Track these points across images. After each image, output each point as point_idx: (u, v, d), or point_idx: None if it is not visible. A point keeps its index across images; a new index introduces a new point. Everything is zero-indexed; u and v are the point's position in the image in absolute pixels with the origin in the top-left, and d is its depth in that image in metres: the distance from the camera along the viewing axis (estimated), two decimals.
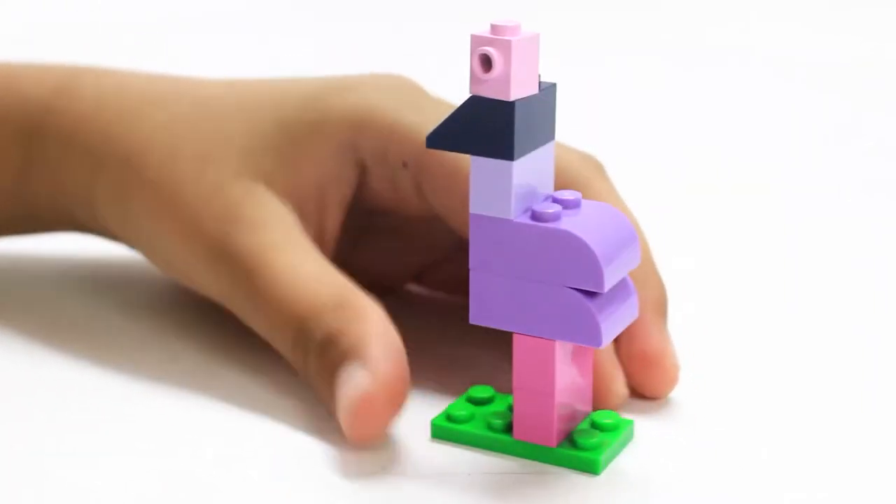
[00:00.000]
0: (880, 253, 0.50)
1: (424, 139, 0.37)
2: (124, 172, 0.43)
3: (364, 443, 0.36)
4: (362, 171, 0.41)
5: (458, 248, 0.42)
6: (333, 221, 0.42)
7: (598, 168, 0.40)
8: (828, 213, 0.55)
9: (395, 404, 0.35)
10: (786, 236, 0.52)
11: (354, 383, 0.35)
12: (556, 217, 0.34)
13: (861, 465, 0.36)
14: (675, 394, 0.39)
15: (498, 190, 0.33)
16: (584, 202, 0.35)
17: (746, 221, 0.54)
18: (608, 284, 0.33)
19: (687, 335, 0.40)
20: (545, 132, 0.34)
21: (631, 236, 0.35)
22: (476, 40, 0.32)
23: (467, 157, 0.37)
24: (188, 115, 0.43)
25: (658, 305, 0.39)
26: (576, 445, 0.35)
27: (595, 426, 0.36)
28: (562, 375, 0.35)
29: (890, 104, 0.70)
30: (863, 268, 0.49)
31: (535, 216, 0.34)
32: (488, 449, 0.36)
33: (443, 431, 0.36)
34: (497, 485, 0.35)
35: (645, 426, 0.37)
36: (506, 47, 0.32)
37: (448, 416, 0.37)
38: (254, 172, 0.41)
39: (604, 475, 0.35)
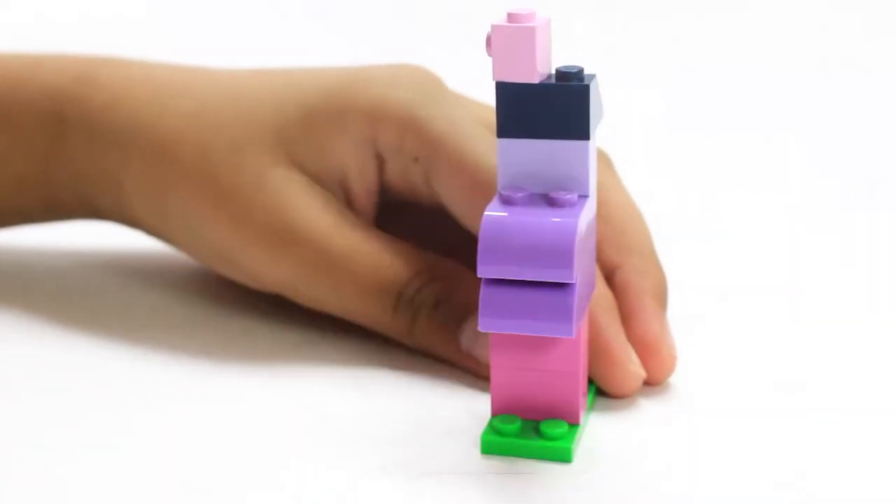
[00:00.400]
0: (880, 253, 0.50)
1: (436, 134, 0.40)
2: (158, 163, 0.43)
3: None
4: (380, 164, 0.42)
5: (465, 243, 0.42)
6: (364, 208, 0.43)
7: (607, 161, 0.41)
8: (828, 214, 0.55)
9: None
10: (785, 234, 0.53)
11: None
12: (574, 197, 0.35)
13: (857, 463, 0.36)
14: (668, 385, 0.40)
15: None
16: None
17: (746, 221, 0.54)
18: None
19: (684, 330, 0.41)
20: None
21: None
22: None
23: (473, 152, 0.39)
24: (216, 103, 0.44)
25: (658, 294, 0.39)
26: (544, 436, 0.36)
27: None
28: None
29: (890, 104, 0.69)
30: (863, 268, 0.49)
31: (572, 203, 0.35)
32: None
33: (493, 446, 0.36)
34: (498, 486, 0.35)
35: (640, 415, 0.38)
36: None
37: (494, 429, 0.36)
38: (287, 160, 0.42)
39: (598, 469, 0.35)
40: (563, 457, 0.35)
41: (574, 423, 0.36)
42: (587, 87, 0.34)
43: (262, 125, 0.42)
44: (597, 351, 0.38)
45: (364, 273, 0.41)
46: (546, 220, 0.34)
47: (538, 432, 0.36)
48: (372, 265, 0.41)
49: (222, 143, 0.43)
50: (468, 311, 0.40)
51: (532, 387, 0.36)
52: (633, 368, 0.38)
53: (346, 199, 0.42)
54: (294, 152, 0.42)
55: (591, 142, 0.35)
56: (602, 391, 0.39)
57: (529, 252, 0.34)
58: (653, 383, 0.39)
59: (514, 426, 0.36)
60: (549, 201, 0.35)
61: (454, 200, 0.40)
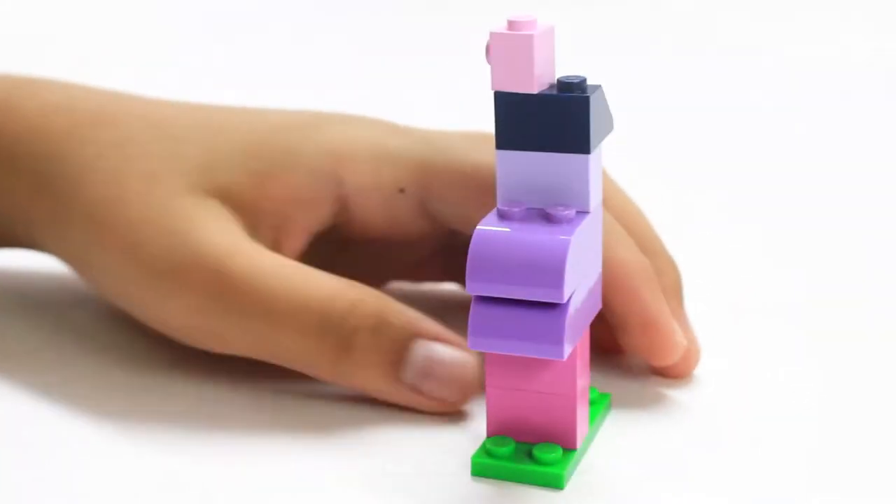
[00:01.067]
0: (881, 253, 0.50)
1: (419, 158, 0.39)
2: (66, 196, 0.40)
3: (455, 409, 0.37)
4: (342, 206, 0.39)
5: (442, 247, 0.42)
6: (292, 247, 0.39)
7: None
8: (828, 213, 0.54)
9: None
10: (785, 235, 0.52)
11: (453, 356, 0.36)
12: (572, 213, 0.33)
13: (860, 467, 0.35)
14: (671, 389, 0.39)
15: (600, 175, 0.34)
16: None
17: (747, 220, 0.54)
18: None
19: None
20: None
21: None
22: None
23: (469, 161, 0.38)
24: (140, 135, 0.40)
25: (676, 291, 0.39)
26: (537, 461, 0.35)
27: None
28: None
29: (890, 104, 0.69)
30: (863, 267, 0.48)
31: (570, 218, 0.33)
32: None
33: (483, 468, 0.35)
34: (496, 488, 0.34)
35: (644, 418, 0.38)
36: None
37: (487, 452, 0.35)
38: (206, 188, 0.39)
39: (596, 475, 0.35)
40: (555, 483, 0.34)
41: (570, 448, 0.35)
42: (587, 99, 0.32)
43: (187, 157, 0.39)
44: (643, 323, 0.37)
45: (275, 297, 0.36)
46: (538, 236, 0.32)
47: (531, 456, 0.34)
48: (284, 284, 0.36)
49: (138, 172, 0.39)
50: (411, 337, 0.36)
51: (527, 409, 0.35)
52: (678, 339, 0.38)
53: (274, 236, 0.39)
54: (218, 179, 0.39)
55: (592, 155, 0.33)
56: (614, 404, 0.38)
57: (519, 270, 0.32)
58: (680, 377, 0.39)
59: (507, 449, 0.34)
60: (546, 217, 0.33)
61: (466, 213, 0.38)
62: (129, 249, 0.38)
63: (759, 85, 0.74)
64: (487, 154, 0.39)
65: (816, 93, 0.72)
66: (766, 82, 0.74)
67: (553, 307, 0.32)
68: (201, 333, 0.38)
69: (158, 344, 0.41)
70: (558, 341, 0.32)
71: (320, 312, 0.36)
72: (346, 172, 0.39)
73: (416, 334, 0.36)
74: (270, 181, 0.39)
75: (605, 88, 0.34)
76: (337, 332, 0.36)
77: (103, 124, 0.41)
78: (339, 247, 0.42)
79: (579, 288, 0.33)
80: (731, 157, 0.62)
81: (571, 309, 0.33)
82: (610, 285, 0.37)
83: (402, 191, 0.39)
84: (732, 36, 0.84)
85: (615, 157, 0.42)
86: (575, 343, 0.33)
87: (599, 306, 0.36)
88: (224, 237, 0.37)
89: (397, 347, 0.36)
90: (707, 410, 0.38)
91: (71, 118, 0.41)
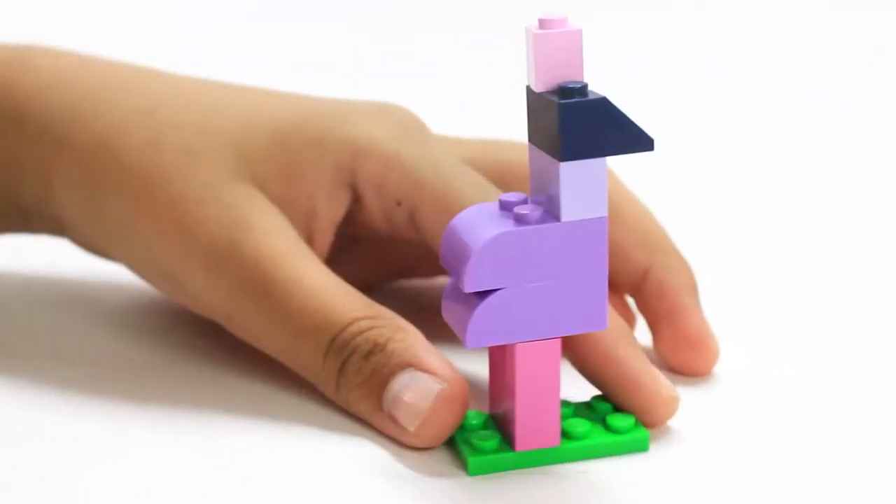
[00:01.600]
0: (881, 253, 0.50)
1: (421, 177, 0.39)
2: (94, 158, 0.39)
3: (425, 444, 0.35)
4: (355, 199, 0.40)
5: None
6: (322, 242, 0.40)
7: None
8: (828, 213, 0.54)
9: (464, 407, 0.35)
10: (786, 235, 0.52)
11: (425, 387, 0.35)
12: (542, 216, 0.33)
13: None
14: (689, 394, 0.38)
15: (593, 189, 0.33)
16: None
17: (747, 221, 0.54)
18: None
19: None
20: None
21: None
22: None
23: (458, 193, 0.38)
24: (171, 102, 0.40)
25: (692, 289, 0.40)
26: (617, 430, 0.35)
27: (594, 409, 0.36)
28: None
29: (890, 104, 0.69)
30: (864, 267, 0.49)
31: (528, 219, 0.33)
32: (538, 464, 0.35)
33: (482, 465, 0.35)
34: (498, 486, 0.35)
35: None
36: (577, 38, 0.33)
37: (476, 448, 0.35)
38: (249, 177, 0.39)
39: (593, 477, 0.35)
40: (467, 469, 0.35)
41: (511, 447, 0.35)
42: (557, 105, 0.32)
43: (224, 136, 0.39)
44: (623, 383, 0.36)
45: (301, 309, 0.37)
46: (478, 228, 0.33)
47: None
48: (312, 302, 0.37)
49: (177, 144, 0.39)
50: (401, 366, 0.36)
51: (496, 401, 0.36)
52: (667, 393, 0.36)
53: (307, 229, 0.39)
54: (259, 172, 0.39)
55: (570, 165, 0.32)
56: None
57: (455, 256, 0.34)
58: (700, 374, 0.40)
59: (493, 443, 0.35)
60: (513, 212, 0.33)
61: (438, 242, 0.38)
62: (175, 227, 0.38)
63: (760, 86, 0.73)
64: (475, 191, 0.38)
65: (820, 93, 0.71)
66: (767, 83, 0.73)
67: (481, 296, 0.33)
68: (229, 322, 0.39)
69: (157, 344, 0.42)
70: (464, 329, 0.33)
71: (332, 335, 0.36)
72: (359, 168, 0.39)
73: (408, 364, 0.36)
74: (299, 176, 0.39)
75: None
76: (339, 353, 0.36)
77: (128, 89, 0.41)
78: (342, 244, 0.42)
79: (524, 290, 0.33)
80: (733, 159, 0.61)
81: (492, 301, 0.33)
82: (582, 350, 0.36)
83: (399, 204, 0.39)
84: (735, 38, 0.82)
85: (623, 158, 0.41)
86: (499, 340, 0.33)
87: (599, 326, 0.35)
88: (278, 240, 0.38)
89: (382, 374, 0.36)
90: (721, 409, 0.38)
91: (91, 80, 0.41)
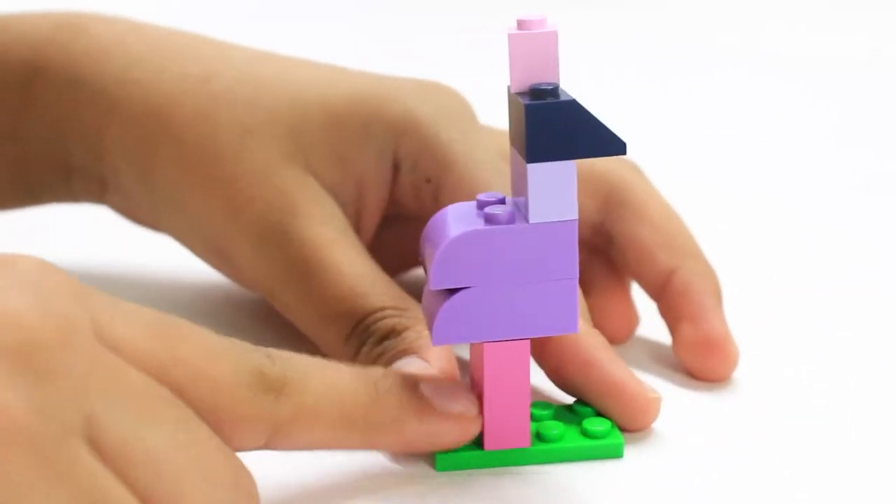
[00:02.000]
0: (881, 253, 0.50)
1: (452, 158, 0.39)
2: (149, 123, 0.40)
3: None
4: (395, 176, 0.40)
5: None
6: (369, 224, 0.41)
7: (636, 169, 0.40)
8: (829, 214, 0.55)
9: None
10: (786, 236, 0.52)
11: (414, 367, 0.35)
12: (511, 216, 0.33)
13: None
14: (675, 399, 0.38)
15: (562, 192, 0.33)
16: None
17: (748, 221, 0.54)
18: None
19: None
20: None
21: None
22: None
23: (482, 181, 0.39)
24: (227, 76, 0.40)
25: (717, 294, 0.40)
26: (591, 435, 0.35)
27: (575, 412, 0.36)
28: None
29: (890, 104, 0.69)
30: (864, 267, 0.49)
31: (497, 219, 0.33)
32: (507, 464, 0.35)
33: (450, 462, 0.35)
34: (496, 486, 0.35)
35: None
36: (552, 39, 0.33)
37: None
38: (303, 161, 0.39)
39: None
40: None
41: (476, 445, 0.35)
42: (525, 107, 0.32)
43: (278, 115, 0.40)
44: (606, 387, 0.36)
45: (335, 294, 0.38)
46: (449, 226, 0.33)
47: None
48: (347, 291, 0.38)
49: (231, 120, 0.39)
50: (406, 352, 0.36)
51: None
52: (651, 395, 0.36)
53: (356, 214, 0.40)
54: (311, 156, 0.40)
55: (538, 167, 0.32)
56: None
57: (427, 252, 0.34)
58: (719, 380, 0.39)
59: None
60: (484, 212, 0.34)
61: None
62: (227, 206, 0.39)
63: (759, 86, 0.73)
64: (500, 181, 0.38)
65: (819, 93, 0.72)
66: (767, 83, 0.73)
67: (452, 293, 0.33)
68: (270, 297, 0.40)
69: None
70: (432, 324, 0.34)
71: (359, 320, 0.37)
72: (400, 146, 0.40)
73: (414, 352, 0.36)
74: (350, 161, 0.40)
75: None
76: (357, 338, 0.37)
77: (181, 56, 0.41)
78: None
79: (493, 290, 0.33)
80: (732, 158, 0.62)
81: (458, 300, 0.33)
82: (561, 356, 0.36)
83: (428, 181, 0.40)
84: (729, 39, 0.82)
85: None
86: (465, 338, 0.34)
87: (569, 329, 0.34)
88: (324, 227, 0.39)
89: (387, 357, 0.36)
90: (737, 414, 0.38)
91: (143, 45, 0.41)
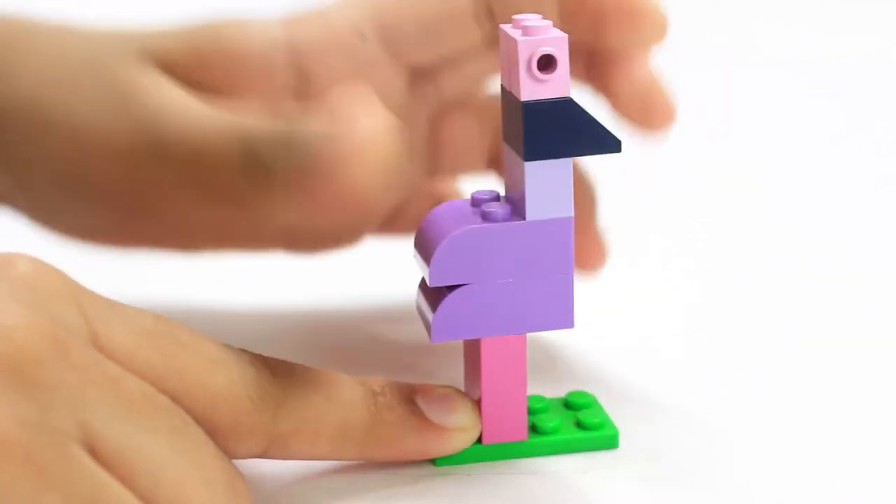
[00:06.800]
0: (881, 253, 0.50)
1: (370, 4, 0.38)
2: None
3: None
4: (303, 76, 0.38)
5: None
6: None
7: None
8: (829, 214, 0.54)
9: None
10: (786, 236, 0.52)
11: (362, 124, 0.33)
12: (508, 214, 0.34)
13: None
14: (670, 393, 0.38)
15: (559, 189, 0.33)
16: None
17: (748, 222, 0.54)
18: None
19: (688, 336, 0.42)
20: None
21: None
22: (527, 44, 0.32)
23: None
24: (70, 29, 0.39)
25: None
26: (587, 427, 0.35)
27: (571, 406, 0.36)
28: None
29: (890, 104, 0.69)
30: (864, 267, 0.49)
31: (494, 217, 0.33)
32: (504, 458, 0.35)
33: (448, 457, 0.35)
34: (495, 485, 0.35)
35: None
36: (562, 44, 0.32)
37: None
38: (150, 66, 0.37)
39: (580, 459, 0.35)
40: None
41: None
42: (522, 104, 0.32)
43: (127, 40, 0.38)
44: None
45: (199, 125, 0.35)
46: (446, 224, 0.34)
47: None
48: (210, 116, 0.35)
49: (78, 52, 0.38)
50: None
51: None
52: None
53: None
54: (163, 58, 0.37)
55: (535, 164, 0.33)
56: None
57: (423, 250, 0.34)
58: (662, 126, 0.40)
59: None
60: (480, 209, 0.34)
61: (432, 43, 0.38)
62: (76, 131, 0.37)
63: (760, 88, 0.73)
64: None
65: (819, 93, 0.71)
66: (768, 85, 0.73)
67: (450, 290, 0.34)
68: (135, 196, 0.37)
69: None
70: (429, 323, 0.34)
71: (241, 140, 0.35)
72: (296, 31, 0.38)
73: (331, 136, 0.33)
74: (218, 53, 0.37)
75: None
76: (260, 153, 0.34)
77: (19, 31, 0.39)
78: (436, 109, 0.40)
79: (490, 286, 0.34)
80: (730, 158, 0.62)
81: (456, 297, 0.34)
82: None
83: (362, 37, 0.38)
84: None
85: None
86: (463, 335, 0.34)
87: (565, 324, 0.35)
88: (167, 93, 0.36)
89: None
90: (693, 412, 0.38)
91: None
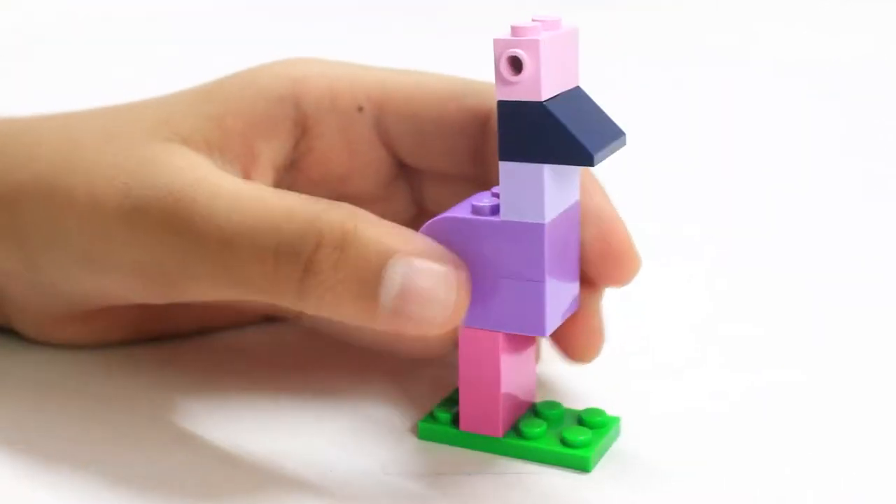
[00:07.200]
0: (881, 253, 0.51)
1: (374, 80, 0.38)
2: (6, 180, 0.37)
3: (444, 329, 0.32)
4: (302, 131, 0.37)
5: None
6: (263, 181, 0.37)
7: (594, 179, 0.37)
8: (828, 214, 0.56)
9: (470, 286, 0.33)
10: (786, 236, 0.53)
11: (436, 273, 0.31)
12: (494, 209, 0.34)
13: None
14: (665, 390, 0.39)
15: (531, 194, 0.33)
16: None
17: (748, 222, 0.55)
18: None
19: (688, 336, 0.43)
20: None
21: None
22: (500, 43, 0.32)
23: (427, 98, 0.38)
24: (83, 113, 0.39)
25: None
26: (566, 443, 0.35)
27: (583, 423, 0.36)
28: (506, 366, 0.35)
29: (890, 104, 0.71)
30: (863, 267, 0.49)
31: (480, 210, 0.34)
32: (478, 449, 0.36)
33: (430, 432, 0.36)
34: (495, 484, 0.35)
35: (632, 422, 0.37)
36: (534, 48, 0.32)
37: (433, 417, 0.37)
38: (167, 137, 0.36)
39: (595, 472, 0.35)
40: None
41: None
42: (498, 102, 0.32)
43: (142, 118, 0.37)
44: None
45: (229, 219, 0.32)
46: (448, 211, 0.35)
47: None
48: (238, 211, 0.32)
49: (91, 130, 0.37)
50: (386, 254, 0.31)
51: None
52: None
53: (244, 168, 0.36)
54: (180, 128, 0.36)
55: (512, 165, 0.33)
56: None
57: None
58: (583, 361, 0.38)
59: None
60: (471, 203, 0.35)
61: (419, 133, 0.37)
62: (89, 196, 0.35)
63: (760, 88, 0.74)
64: (446, 85, 0.37)
65: (819, 93, 0.73)
66: (768, 86, 0.74)
67: None
68: (164, 279, 0.34)
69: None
70: None
71: (276, 231, 0.32)
72: (302, 92, 0.37)
73: (393, 249, 0.31)
74: (228, 117, 0.36)
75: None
76: (296, 251, 0.32)
77: (32, 117, 0.39)
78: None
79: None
80: (733, 160, 0.63)
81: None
82: None
83: (360, 109, 0.38)
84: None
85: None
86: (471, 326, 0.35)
87: (537, 331, 0.34)
88: (189, 172, 0.34)
89: (370, 265, 0.31)
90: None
91: None
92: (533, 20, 0.33)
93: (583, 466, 0.35)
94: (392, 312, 0.31)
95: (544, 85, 0.32)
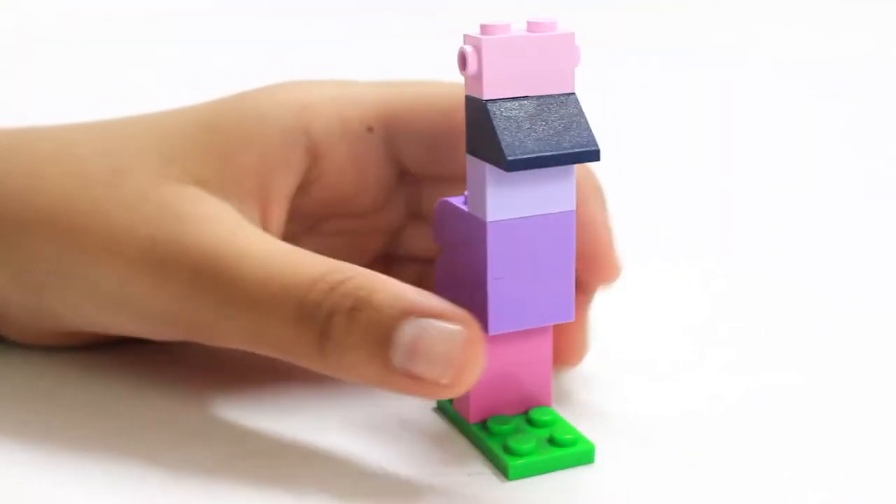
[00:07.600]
0: (881, 253, 0.51)
1: (382, 99, 0.38)
2: (8, 211, 0.36)
3: (457, 394, 0.32)
4: (313, 159, 0.37)
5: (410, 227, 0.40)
6: (278, 215, 0.37)
7: (597, 189, 0.37)
8: (828, 214, 0.56)
9: (484, 345, 0.32)
10: (785, 237, 0.53)
11: (444, 332, 0.32)
12: None
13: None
14: (662, 392, 0.39)
15: (479, 189, 0.33)
16: None
17: (747, 223, 0.55)
18: None
19: (685, 338, 0.43)
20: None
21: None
22: (464, 39, 0.33)
23: (435, 110, 0.38)
24: (84, 140, 0.37)
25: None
26: (507, 448, 0.35)
27: (555, 442, 0.35)
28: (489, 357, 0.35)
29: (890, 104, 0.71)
30: (863, 268, 0.49)
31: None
32: (457, 427, 0.36)
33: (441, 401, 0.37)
34: (495, 484, 0.34)
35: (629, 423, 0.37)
36: (480, 45, 0.32)
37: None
38: (178, 174, 0.36)
39: (595, 474, 0.34)
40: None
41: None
42: (466, 97, 0.33)
43: (145, 148, 0.37)
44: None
45: (255, 282, 0.33)
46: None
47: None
48: (264, 272, 0.33)
49: (96, 168, 0.36)
50: (399, 316, 0.32)
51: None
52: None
53: (260, 207, 0.37)
54: (190, 168, 0.36)
55: (470, 157, 0.33)
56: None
57: None
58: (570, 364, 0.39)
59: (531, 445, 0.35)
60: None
61: (429, 148, 0.38)
62: (109, 244, 0.35)
63: (760, 88, 0.74)
64: (452, 94, 0.37)
65: (818, 93, 0.73)
66: (749, 84, 0.75)
67: None
68: (191, 328, 0.35)
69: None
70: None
71: (298, 297, 0.33)
72: (312, 119, 0.37)
73: (406, 311, 0.32)
74: (239, 156, 0.37)
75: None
76: (314, 316, 0.33)
77: (38, 138, 0.38)
78: (308, 225, 0.40)
79: (455, 262, 0.35)
80: (733, 160, 0.63)
81: (441, 258, 0.36)
82: None
83: (370, 129, 0.38)
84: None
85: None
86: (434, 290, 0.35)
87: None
88: (219, 225, 0.35)
89: (382, 328, 0.32)
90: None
91: None
92: (528, 22, 0.33)
93: (588, 460, 0.35)
94: (403, 373, 0.32)
95: (488, 84, 0.32)
